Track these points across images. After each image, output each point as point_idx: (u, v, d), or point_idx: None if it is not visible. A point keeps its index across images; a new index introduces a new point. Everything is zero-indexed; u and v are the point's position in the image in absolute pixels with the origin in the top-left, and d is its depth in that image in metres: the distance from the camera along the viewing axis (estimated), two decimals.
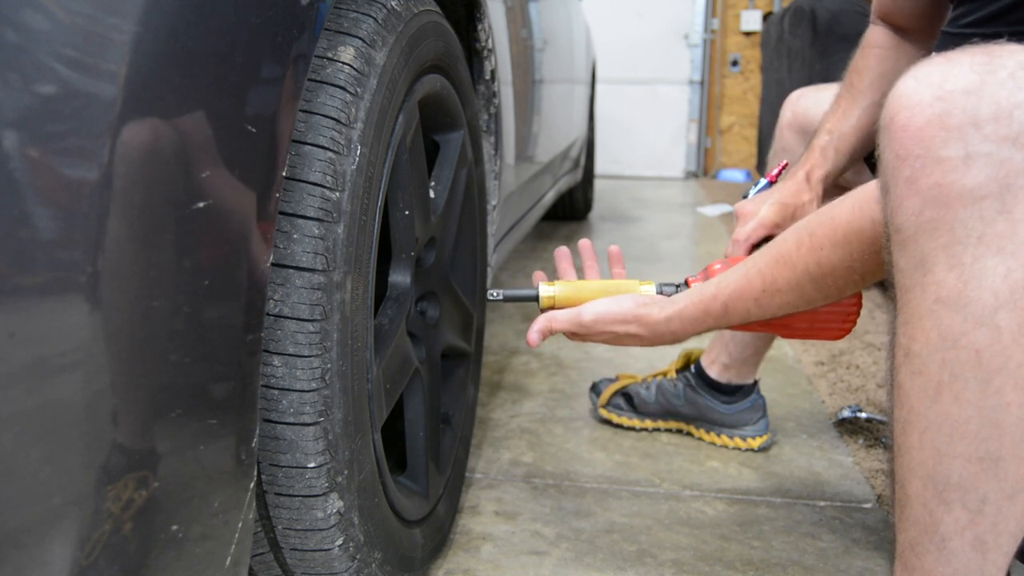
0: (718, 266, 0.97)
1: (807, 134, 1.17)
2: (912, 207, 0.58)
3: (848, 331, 0.90)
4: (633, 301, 0.91)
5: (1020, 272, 0.55)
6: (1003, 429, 0.57)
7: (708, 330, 0.88)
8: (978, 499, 0.59)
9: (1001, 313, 0.56)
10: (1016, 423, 0.57)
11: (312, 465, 0.69)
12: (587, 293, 0.95)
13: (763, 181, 1.15)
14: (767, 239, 1.08)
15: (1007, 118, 0.55)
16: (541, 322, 0.95)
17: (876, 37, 1.11)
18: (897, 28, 1.10)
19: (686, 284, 0.98)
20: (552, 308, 0.95)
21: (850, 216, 0.70)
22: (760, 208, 1.08)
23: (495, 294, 0.98)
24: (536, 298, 0.95)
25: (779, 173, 1.14)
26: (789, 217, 1.06)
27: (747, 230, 1.07)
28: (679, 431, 1.49)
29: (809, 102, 1.28)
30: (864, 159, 1.17)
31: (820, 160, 1.09)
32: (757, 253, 0.82)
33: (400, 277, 0.92)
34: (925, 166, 0.57)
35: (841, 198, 0.73)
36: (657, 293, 0.97)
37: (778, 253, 0.79)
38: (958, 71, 0.57)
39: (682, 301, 0.88)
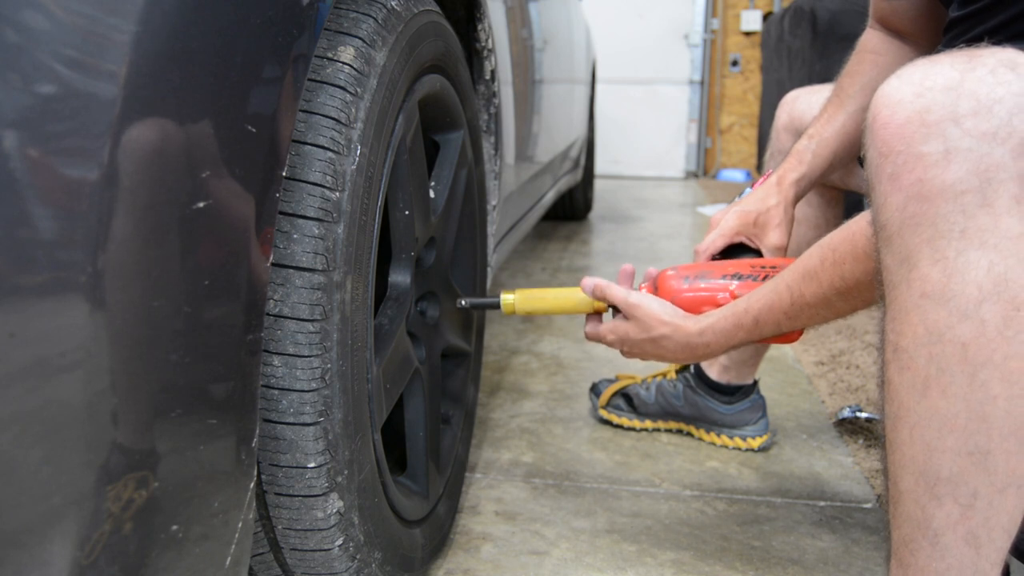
0: (671, 272, 0.98)
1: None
2: (895, 203, 0.59)
3: (802, 333, 0.92)
4: (674, 309, 0.95)
5: (1002, 265, 0.55)
6: (991, 422, 0.57)
7: (740, 344, 0.91)
8: (969, 493, 0.59)
9: (985, 306, 0.56)
10: (1003, 416, 0.57)
11: (312, 465, 0.69)
12: (542, 300, 1.04)
13: (748, 190, 1.13)
14: (734, 248, 1.07)
15: (986, 113, 0.55)
16: (592, 284, 1.01)
17: (872, 42, 1.10)
18: (895, 32, 1.09)
19: (638, 291, 1.00)
20: (513, 313, 1.05)
21: (869, 230, 0.70)
22: (724, 217, 1.08)
23: (462, 303, 1.09)
24: (498, 305, 1.05)
25: (763, 182, 1.13)
26: (751, 224, 1.06)
27: (707, 241, 1.07)
28: (679, 431, 1.49)
29: (804, 105, 1.27)
30: (858, 159, 1.16)
31: (795, 164, 1.08)
32: (786, 270, 0.83)
33: (400, 277, 0.92)
34: (906, 162, 0.58)
35: (860, 214, 0.73)
36: None
37: (804, 268, 0.80)
38: (938, 69, 0.58)
39: (714, 316, 0.90)
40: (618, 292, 0.98)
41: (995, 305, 0.56)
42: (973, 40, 0.68)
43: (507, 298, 1.04)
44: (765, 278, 0.93)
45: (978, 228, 0.56)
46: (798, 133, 1.25)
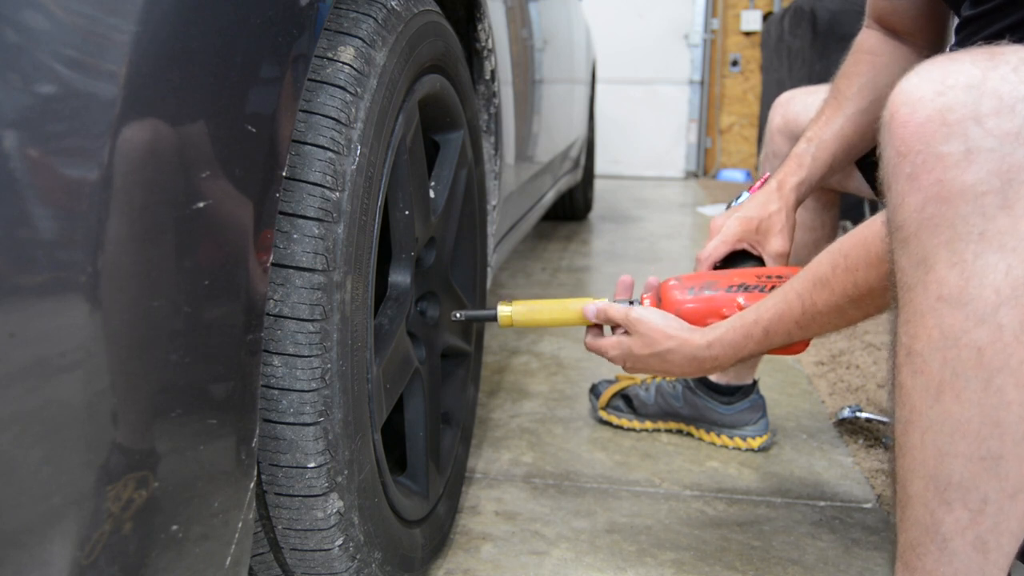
0: (673, 282, 0.97)
1: (797, 139, 1.15)
2: (913, 204, 0.58)
3: (808, 344, 0.91)
4: (679, 322, 0.93)
5: (1021, 269, 0.54)
6: (1004, 428, 0.57)
7: (749, 356, 0.89)
8: (979, 499, 0.58)
9: (1003, 311, 0.55)
10: (1017, 422, 0.56)
11: (312, 465, 0.69)
12: (541, 313, 1.01)
13: (744, 194, 1.12)
14: (735, 255, 1.06)
15: (1009, 112, 0.54)
16: (594, 310, 1.00)
17: (869, 42, 1.09)
18: (892, 31, 1.08)
19: (640, 301, 0.98)
20: (511, 326, 1.02)
21: (883, 232, 0.70)
22: (726, 223, 1.06)
23: (457, 315, 1.05)
24: (495, 318, 1.02)
25: (760, 186, 1.11)
26: (753, 230, 1.04)
27: (709, 248, 1.06)
28: (679, 432, 1.49)
29: (799, 106, 1.26)
30: (856, 163, 1.16)
31: (794, 168, 1.07)
32: (795, 278, 0.82)
33: (400, 277, 0.92)
34: (926, 162, 0.57)
35: (872, 218, 0.72)
36: None
37: (815, 276, 0.78)
38: (959, 67, 0.57)
39: (722, 328, 0.88)
40: (618, 311, 0.96)
41: (1012, 310, 0.55)
42: (991, 38, 0.68)
43: (504, 310, 1.01)
44: (772, 289, 0.92)
45: (997, 230, 0.55)
46: (793, 135, 1.24)
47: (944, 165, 0.56)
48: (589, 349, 1.01)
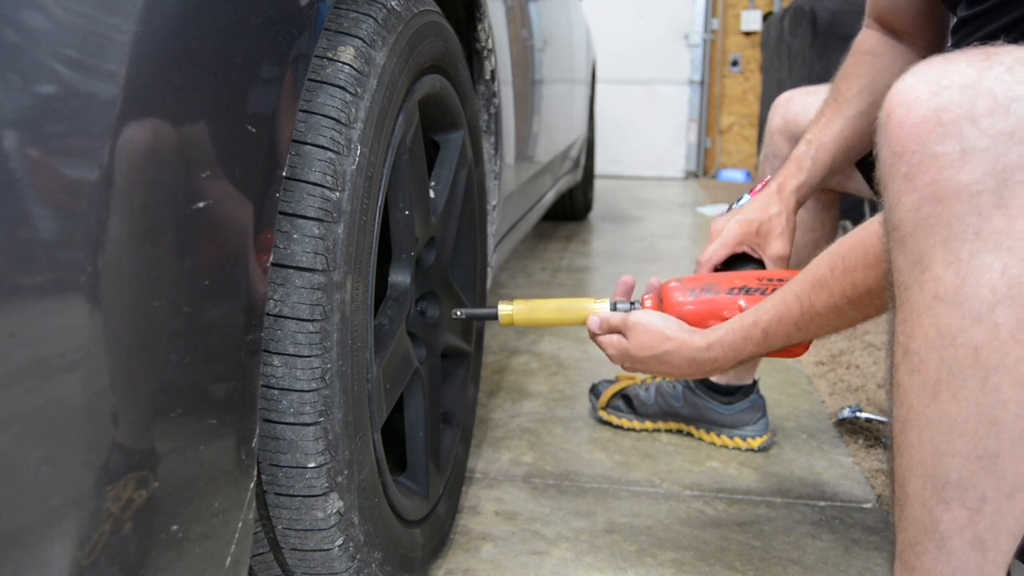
0: (674, 284, 0.97)
1: (797, 139, 1.15)
2: (909, 204, 0.58)
3: (808, 347, 0.92)
4: (678, 324, 0.93)
5: (1017, 268, 0.55)
6: (1001, 427, 0.57)
7: (749, 358, 0.89)
8: (977, 498, 0.59)
9: (999, 309, 0.55)
10: (1014, 420, 0.57)
11: (312, 465, 0.69)
12: (542, 311, 1.01)
13: (745, 196, 1.11)
14: (735, 258, 1.06)
15: (1004, 112, 0.54)
16: (596, 322, 1.00)
17: (869, 43, 1.09)
18: (892, 31, 1.08)
19: (640, 303, 0.99)
20: (511, 325, 1.01)
21: (881, 231, 0.70)
22: (726, 226, 1.06)
23: (458, 313, 1.04)
24: (495, 316, 1.01)
25: (761, 190, 1.11)
26: (753, 233, 1.04)
27: (709, 251, 1.06)
28: (679, 431, 1.49)
29: (799, 107, 1.26)
30: (856, 163, 1.15)
31: (794, 171, 1.07)
32: (794, 279, 0.82)
33: (400, 277, 0.92)
34: (921, 162, 0.57)
35: (870, 220, 0.72)
36: (611, 310, 0.98)
37: (813, 278, 0.79)
38: (955, 67, 0.57)
39: (721, 329, 0.89)
40: (617, 318, 0.96)
41: (1009, 308, 0.55)
42: (986, 38, 0.68)
43: (505, 309, 1.00)
44: (773, 291, 0.92)
45: (993, 230, 0.55)
46: (792, 136, 1.24)
47: (939, 165, 0.56)
48: (592, 339, 1.02)
